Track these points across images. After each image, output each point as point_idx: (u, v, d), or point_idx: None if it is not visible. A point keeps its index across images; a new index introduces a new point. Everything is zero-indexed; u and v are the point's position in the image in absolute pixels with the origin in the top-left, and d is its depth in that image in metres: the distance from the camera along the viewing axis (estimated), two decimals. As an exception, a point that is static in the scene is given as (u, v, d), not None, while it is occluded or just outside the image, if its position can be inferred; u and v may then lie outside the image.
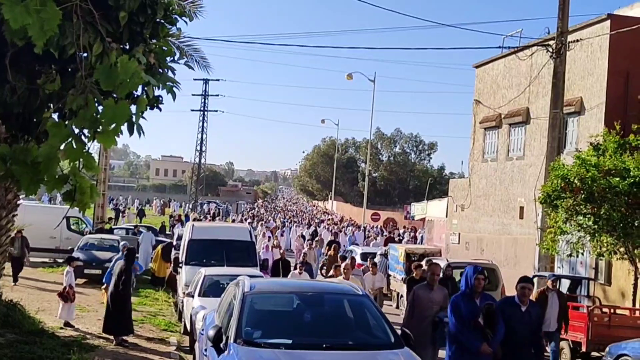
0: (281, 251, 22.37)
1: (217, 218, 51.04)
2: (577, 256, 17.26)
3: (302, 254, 17.08)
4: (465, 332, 8.30)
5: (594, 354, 14.29)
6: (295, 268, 17.48)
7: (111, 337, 13.22)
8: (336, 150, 79.08)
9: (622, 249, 15.66)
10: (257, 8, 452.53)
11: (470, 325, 8.30)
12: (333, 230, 40.59)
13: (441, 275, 15.23)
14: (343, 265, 13.97)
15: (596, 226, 15.32)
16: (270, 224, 45.87)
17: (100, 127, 4.71)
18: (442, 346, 9.47)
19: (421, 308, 10.15)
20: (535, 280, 14.78)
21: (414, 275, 14.62)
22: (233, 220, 50.83)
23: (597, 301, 16.77)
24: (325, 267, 19.75)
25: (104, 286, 15.76)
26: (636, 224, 14.63)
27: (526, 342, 8.58)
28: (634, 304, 16.32)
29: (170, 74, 6.26)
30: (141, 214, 51.55)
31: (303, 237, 34.59)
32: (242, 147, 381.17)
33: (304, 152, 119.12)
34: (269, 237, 31.11)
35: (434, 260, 15.24)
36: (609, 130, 16.36)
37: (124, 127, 5.03)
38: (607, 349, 12.54)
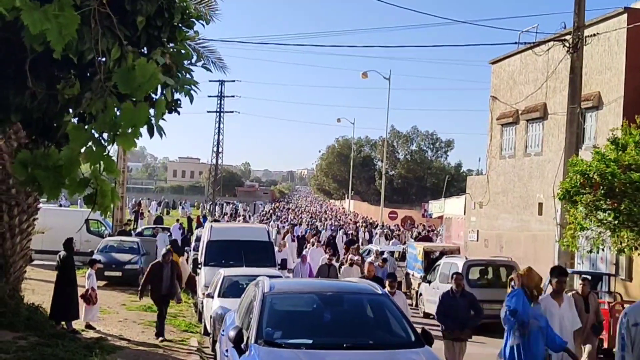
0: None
1: (238, 219, 50.61)
2: (598, 252, 17.07)
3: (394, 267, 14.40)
4: None
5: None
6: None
7: (132, 338, 13.35)
8: (352, 150, 78.98)
9: (643, 245, 15.48)
10: (272, 8, 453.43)
11: None
12: (349, 232, 40.51)
13: None
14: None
15: (616, 221, 15.15)
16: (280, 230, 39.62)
17: (120, 130, 4.73)
18: None
19: None
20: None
21: None
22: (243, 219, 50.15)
23: (619, 297, 16.62)
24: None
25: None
26: (657, 219, 14.45)
27: None
28: (656, 300, 16.15)
29: (187, 76, 6.29)
30: (159, 220, 50.82)
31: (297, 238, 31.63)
32: (259, 148, 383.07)
33: (320, 151, 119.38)
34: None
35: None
36: (628, 124, 16.14)
37: (144, 130, 5.05)
38: (630, 345, 12.41)
